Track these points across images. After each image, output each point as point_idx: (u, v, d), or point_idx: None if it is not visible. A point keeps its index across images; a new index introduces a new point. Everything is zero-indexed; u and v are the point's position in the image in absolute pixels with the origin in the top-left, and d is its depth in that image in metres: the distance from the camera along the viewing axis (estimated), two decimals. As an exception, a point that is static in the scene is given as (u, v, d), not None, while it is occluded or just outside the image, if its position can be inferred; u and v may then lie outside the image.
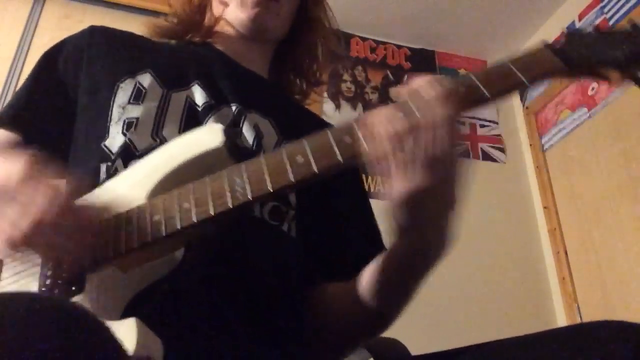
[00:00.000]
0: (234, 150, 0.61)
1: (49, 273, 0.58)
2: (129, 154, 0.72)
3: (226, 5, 0.90)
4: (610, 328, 0.51)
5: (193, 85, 0.80)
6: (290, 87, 1.00)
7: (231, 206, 0.55)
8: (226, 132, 0.62)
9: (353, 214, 0.87)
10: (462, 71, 2.91)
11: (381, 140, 0.53)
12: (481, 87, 0.54)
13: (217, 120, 0.76)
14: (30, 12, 2.40)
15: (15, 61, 2.28)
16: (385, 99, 2.73)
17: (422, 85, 0.55)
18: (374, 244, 0.82)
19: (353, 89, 2.73)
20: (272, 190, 0.55)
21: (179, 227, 0.56)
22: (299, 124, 0.85)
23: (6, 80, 2.23)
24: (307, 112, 0.98)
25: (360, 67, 2.79)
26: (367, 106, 2.67)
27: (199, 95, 0.79)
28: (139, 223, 0.57)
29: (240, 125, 0.78)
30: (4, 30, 2.34)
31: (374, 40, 2.86)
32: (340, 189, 0.85)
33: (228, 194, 0.55)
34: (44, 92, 0.84)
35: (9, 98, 2.20)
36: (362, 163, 0.56)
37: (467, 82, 0.55)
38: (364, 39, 2.86)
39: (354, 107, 2.66)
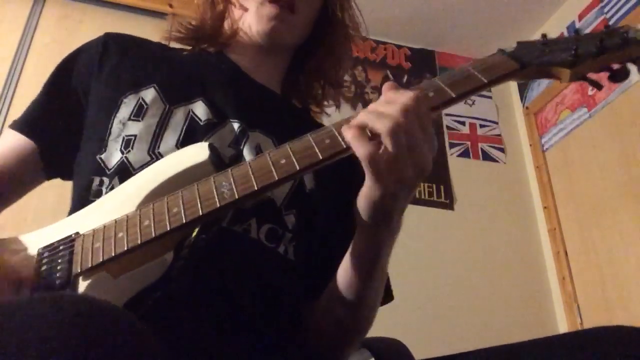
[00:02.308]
0: (220, 164, 0.64)
1: (41, 279, 0.59)
2: (127, 173, 0.72)
3: (245, 10, 0.88)
4: (617, 333, 0.51)
5: (197, 101, 0.79)
6: (309, 90, 0.98)
7: (219, 205, 0.57)
8: (212, 148, 0.65)
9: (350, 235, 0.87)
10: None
11: (356, 137, 0.56)
12: (447, 89, 0.61)
13: (218, 139, 0.76)
14: (30, 12, 2.40)
15: (15, 61, 2.28)
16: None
17: (392, 94, 0.58)
18: None
19: (353, 89, 2.73)
20: (257, 189, 0.57)
21: (168, 228, 0.57)
22: None
23: (6, 80, 2.23)
24: (316, 126, 0.94)
25: (360, 67, 2.79)
26: (367, 106, 2.67)
27: (201, 111, 0.78)
28: (128, 228, 0.60)
29: (242, 145, 0.77)
30: (4, 30, 2.34)
31: (374, 40, 2.86)
32: (338, 209, 0.84)
33: (215, 195, 0.58)
34: (59, 101, 0.85)
35: (9, 98, 2.20)
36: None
37: (434, 86, 0.61)
38: (364, 39, 2.86)
39: (354, 107, 2.66)
